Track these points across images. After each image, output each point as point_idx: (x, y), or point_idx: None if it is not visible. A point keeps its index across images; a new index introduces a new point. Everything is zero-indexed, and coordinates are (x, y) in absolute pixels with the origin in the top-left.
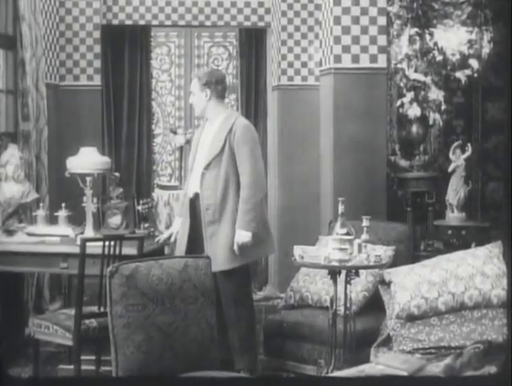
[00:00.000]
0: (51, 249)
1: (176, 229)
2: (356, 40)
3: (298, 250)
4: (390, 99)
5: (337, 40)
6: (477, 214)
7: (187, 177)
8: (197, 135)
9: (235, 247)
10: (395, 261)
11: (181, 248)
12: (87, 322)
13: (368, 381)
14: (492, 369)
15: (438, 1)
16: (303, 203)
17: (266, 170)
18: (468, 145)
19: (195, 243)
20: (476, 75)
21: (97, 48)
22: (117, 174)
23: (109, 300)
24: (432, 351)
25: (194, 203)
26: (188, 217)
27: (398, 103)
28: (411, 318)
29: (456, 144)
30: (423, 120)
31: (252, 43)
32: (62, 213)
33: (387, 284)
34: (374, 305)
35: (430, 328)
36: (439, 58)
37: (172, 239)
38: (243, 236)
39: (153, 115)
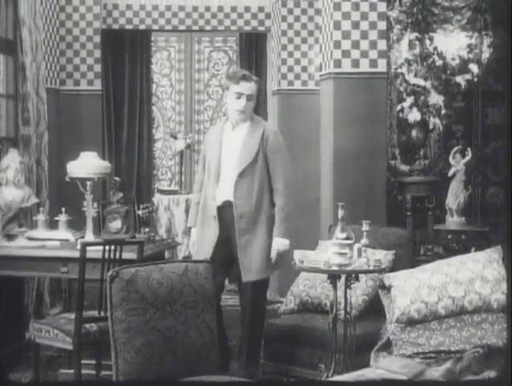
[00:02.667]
0: (51, 254)
1: (193, 240)
2: (356, 45)
3: (298, 254)
4: (389, 103)
5: (337, 45)
6: (477, 218)
7: (206, 183)
8: (215, 138)
9: (273, 255)
10: (395, 266)
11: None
12: (87, 326)
13: (368, 385)
14: (492, 373)
15: (438, 6)
16: (303, 208)
17: None
18: (468, 149)
19: (222, 253)
20: (476, 79)
21: (98, 53)
22: (117, 178)
23: (110, 304)
24: (432, 355)
25: (223, 211)
26: (218, 226)
27: (398, 107)
28: (411, 323)
29: (455, 148)
30: (423, 124)
31: (252, 47)
32: (62, 217)
33: (387, 288)
34: (374, 309)
35: (430, 332)
36: (439, 62)
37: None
38: (283, 243)
39: (153, 120)
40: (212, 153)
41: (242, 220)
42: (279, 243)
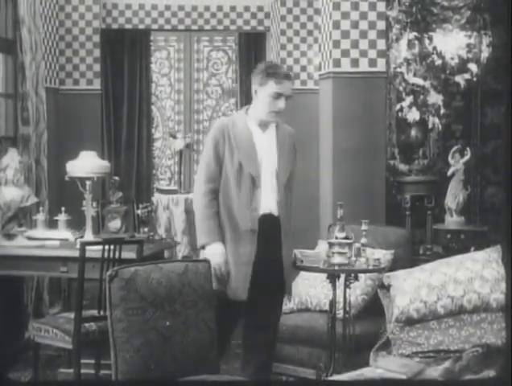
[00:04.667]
0: (50, 253)
1: (222, 261)
2: (355, 44)
3: (297, 254)
4: (389, 103)
5: (336, 44)
6: (476, 218)
7: (235, 189)
8: (245, 138)
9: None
10: (394, 265)
11: (240, 283)
12: (87, 325)
13: (367, 385)
14: (491, 373)
15: (437, 5)
16: (302, 207)
17: None
18: (467, 149)
19: (260, 271)
20: (475, 79)
21: (97, 52)
22: (116, 178)
23: (109, 304)
24: (431, 354)
25: (263, 223)
26: (256, 242)
27: (397, 107)
28: (410, 322)
29: (455, 148)
30: (422, 124)
31: (251, 47)
32: (62, 217)
33: (386, 288)
34: (373, 308)
35: (429, 332)
36: (438, 62)
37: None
38: None
39: (152, 119)
40: (245, 155)
41: (287, 238)
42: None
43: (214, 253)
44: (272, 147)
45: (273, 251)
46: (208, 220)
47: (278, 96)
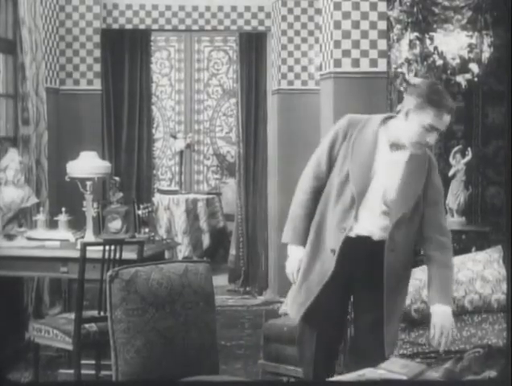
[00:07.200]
0: (51, 254)
1: (296, 268)
2: (356, 44)
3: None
4: (390, 103)
5: (337, 44)
6: (477, 218)
7: (332, 204)
8: (366, 152)
9: (436, 336)
10: None
11: (297, 302)
12: (87, 326)
13: (368, 385)
14: (492, 373)
15: (438, 5)
16: None
17: (266, 175)
18: (469, 149)
19: (329, 299)
20: (476, 79)
21: (97, 52)
22: (117, 178)
23: (109, 304)
24: (432, 355)
25: (349, 245)
26: (334, 263)
27: (399, 107)
28: (412, 323)
29: (456, 148)
30: None
31: (252, 47)
32: (62, 217)
33: None
34: None
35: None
36: (440, 62)
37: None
38: (448, 316)
39: (153, 119)
40: (357, 167)
41: (392, 253)
42: (443, 314)
43: (292, 257)
44: (395, 170)
45: (347, 272)
46: (295, 222)
47: (432, 128)
